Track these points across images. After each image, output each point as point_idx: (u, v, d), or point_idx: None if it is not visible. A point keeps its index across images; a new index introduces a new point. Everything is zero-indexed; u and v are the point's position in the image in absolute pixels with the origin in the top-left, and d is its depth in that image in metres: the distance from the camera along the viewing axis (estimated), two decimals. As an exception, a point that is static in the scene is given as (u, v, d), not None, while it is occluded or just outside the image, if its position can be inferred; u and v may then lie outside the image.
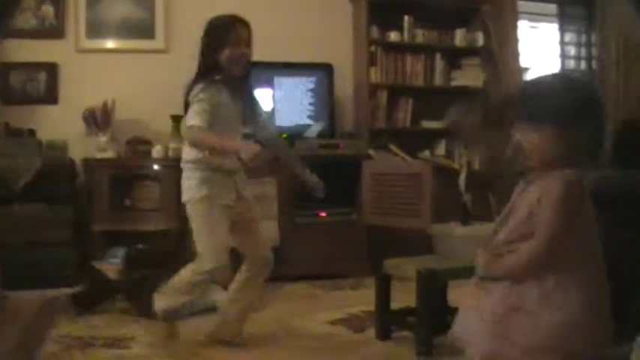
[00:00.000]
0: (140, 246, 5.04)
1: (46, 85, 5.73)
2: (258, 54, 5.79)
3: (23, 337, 3.84)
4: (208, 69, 3.37)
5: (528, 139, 2.10)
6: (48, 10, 5.73)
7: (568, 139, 2.02)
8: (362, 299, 4.58)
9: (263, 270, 3.55)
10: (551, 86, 2.12)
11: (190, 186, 3.37)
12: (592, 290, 2.03)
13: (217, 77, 3.35)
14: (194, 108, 3.23)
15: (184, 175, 3.42)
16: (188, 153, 3.40)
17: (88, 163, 5.44)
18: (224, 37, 3.37)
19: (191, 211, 3.39)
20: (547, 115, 2.04)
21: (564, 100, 2.04)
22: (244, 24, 3.47)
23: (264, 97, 5.72)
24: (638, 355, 1.53)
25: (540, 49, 7.33)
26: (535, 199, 2.06)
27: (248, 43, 3.46)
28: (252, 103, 3.66)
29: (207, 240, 3.32)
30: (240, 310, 3.59)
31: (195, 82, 3.35)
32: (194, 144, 3.26)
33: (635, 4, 6.38)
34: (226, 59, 3.35)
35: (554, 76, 2.32)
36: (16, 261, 4.93)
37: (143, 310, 4.02)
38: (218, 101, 3.30)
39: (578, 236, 2.04)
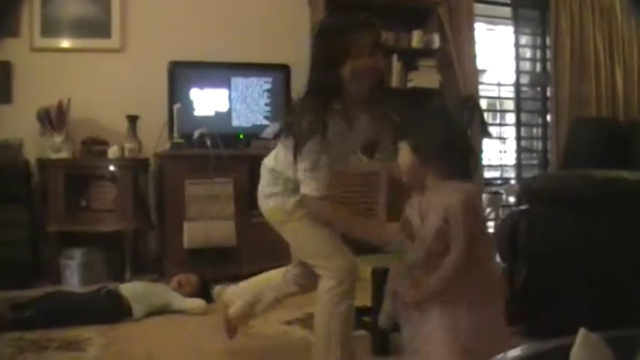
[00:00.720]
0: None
1: (0, 84, 5.65)
2: (215, 54, 5.86)
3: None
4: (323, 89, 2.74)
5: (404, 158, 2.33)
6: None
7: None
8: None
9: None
10: (426, 121, 2.39)
11: (273, 194, 2.96)
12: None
13: (335, 105, 2.73)
14: (306, 166, 2.68)
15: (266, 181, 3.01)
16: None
17: (43, 163, 5.39)
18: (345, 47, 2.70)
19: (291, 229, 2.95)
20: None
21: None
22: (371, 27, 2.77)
23: (219, 97, 5.73)
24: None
25: (496, 52, 7.42)
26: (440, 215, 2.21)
27: (375, 50, 2.75)
28: (386, 128, 2.99)
29: (327, 246, 2.85)
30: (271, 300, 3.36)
31: (304, 111, 2.75)
32: (315, 216, 2.80)
33: (633, 2, 6.50)
34: (349, 74, 2.72)
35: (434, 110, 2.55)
36: None
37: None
38: (329, 140, 2.68)
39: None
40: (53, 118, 5.38)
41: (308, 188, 2.69)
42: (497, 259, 4.02)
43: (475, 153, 2.40)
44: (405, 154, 2.32)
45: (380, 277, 3.37)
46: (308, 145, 2.64)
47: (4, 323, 3.88)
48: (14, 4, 5.59)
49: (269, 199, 2.98)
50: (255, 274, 5.19)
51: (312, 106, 2.70)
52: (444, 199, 2.20)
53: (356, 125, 2.82)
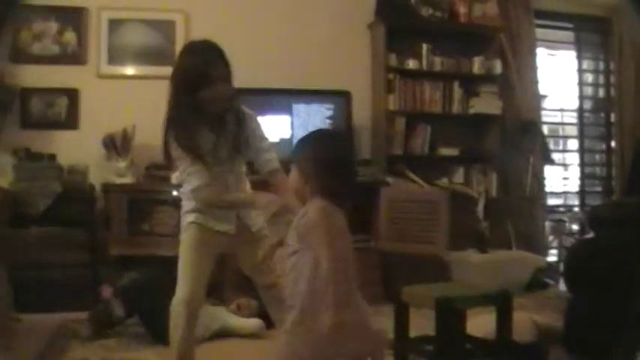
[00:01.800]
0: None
1: (67, 111, 5.79)
2: (277, 80, 5.91)
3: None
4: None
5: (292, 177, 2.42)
6: (70, 36, 5.81)
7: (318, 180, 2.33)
8: (379, 326, 4.56)
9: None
10: (310, 139, 2.46)
11: (183, 214, 3.19)
12: None
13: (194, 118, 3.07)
14: (182, 167, 3.06)
15: (182, 203, 3.23)
16: (184, 185, 3.16)
17: (107, 187, 5.47)
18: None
19: (181, 238, 3.19)
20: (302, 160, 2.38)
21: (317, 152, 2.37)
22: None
23: (281, 123, 5.77)
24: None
25: (558, 77, 7.34)
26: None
27: (226, 78, 3.12)
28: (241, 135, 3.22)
29: (182, 268, 3.08)
30: None
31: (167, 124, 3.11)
32: (208, 205, 3.08)
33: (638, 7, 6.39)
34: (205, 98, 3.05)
35: (318, 131, 2.69)
36: (32, 284, 5.02)
37: (157, 335, 4.04)
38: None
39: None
40: (118, 144, 5.49)
41: (189, 185, 3.02)
42: (562, 287, 3.95)
43: (354, 174, 2.50)
44: (292, 173, 2.43)
45: (442, 307, 3.34)
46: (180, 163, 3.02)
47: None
48: None
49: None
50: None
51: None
52: (299, 219, 2.31)
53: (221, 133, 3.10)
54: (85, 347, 4.13)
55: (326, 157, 2.35)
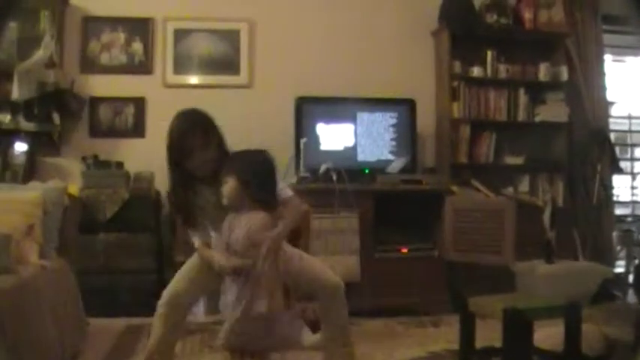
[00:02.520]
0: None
1: (134, 119, 5.91)
2: (341, 89, 5.92)
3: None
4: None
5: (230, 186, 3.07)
6: (137, 47, 5.93)
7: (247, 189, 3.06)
8: (444, 337, 4.53)
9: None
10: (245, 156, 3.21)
11: None
12: None
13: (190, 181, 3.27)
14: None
15: None
16: None
17: (173, 195, 5.54)
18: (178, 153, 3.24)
19: None
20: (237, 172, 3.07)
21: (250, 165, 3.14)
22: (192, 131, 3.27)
23: (345, 132, 5.77)
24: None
25: (626, 83, 7.19)
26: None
27: (203, 146, 3.22)
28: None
29: (180, 272, 3.25)
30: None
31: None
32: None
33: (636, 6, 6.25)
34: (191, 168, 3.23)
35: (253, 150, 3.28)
36: (99, 289, 5.12)
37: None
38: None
39: None
40: (184, 152, 5.54)
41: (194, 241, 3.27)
42: (632, 298, 3.86)
43: (275, 181, 3.19)
44: (230, 183, 3.05)
45: (510, 318, 3.29)
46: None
47: None
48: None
49: None
50: (378, 309, 5.22)
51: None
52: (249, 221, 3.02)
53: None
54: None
55: (261, 169, 3.13)
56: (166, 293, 3.13)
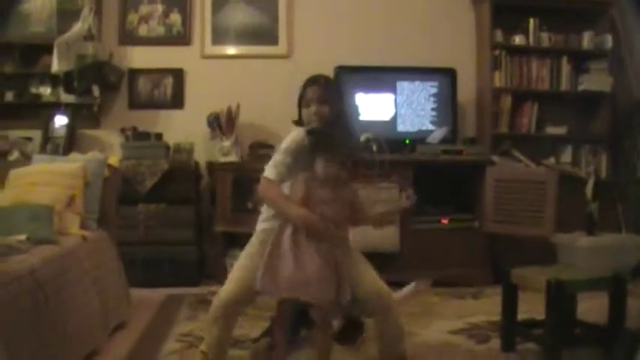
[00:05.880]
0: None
1: (173, 91, 5.91)
2: (380, 59, 5.86)
3: (146, 334, 3.97)
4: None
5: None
6: (175, 18, 5.91)
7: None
8: (484, 308, 4.50)
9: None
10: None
11: (259, 219, 3.32)
12: None
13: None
14: (274, 158, 3.16)
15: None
16: None
17: (212, 166, 5.58)
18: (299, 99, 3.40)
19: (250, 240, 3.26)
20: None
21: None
22: (314, 83, 3.37)
23: (385, 102, 5.72)
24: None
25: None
26: None
27: (320, 100, 3.30)
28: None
29: (234, 270, 3.11)
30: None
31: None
32: (260, 196, 3.21)
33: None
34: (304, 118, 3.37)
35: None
36: (139, 260, 5.23)
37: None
38: (301, 153, 3.14)
39: None
40: (222, 123, 5.56)
41: (266, 172, 3.12)
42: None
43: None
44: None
45: (554, 290, 3.24)
46: (275, 155, 3.19)
47: None
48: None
49: None
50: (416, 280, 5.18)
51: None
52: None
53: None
54: (190, 322, 4.19)
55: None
56: (221, 296, 3.00)
